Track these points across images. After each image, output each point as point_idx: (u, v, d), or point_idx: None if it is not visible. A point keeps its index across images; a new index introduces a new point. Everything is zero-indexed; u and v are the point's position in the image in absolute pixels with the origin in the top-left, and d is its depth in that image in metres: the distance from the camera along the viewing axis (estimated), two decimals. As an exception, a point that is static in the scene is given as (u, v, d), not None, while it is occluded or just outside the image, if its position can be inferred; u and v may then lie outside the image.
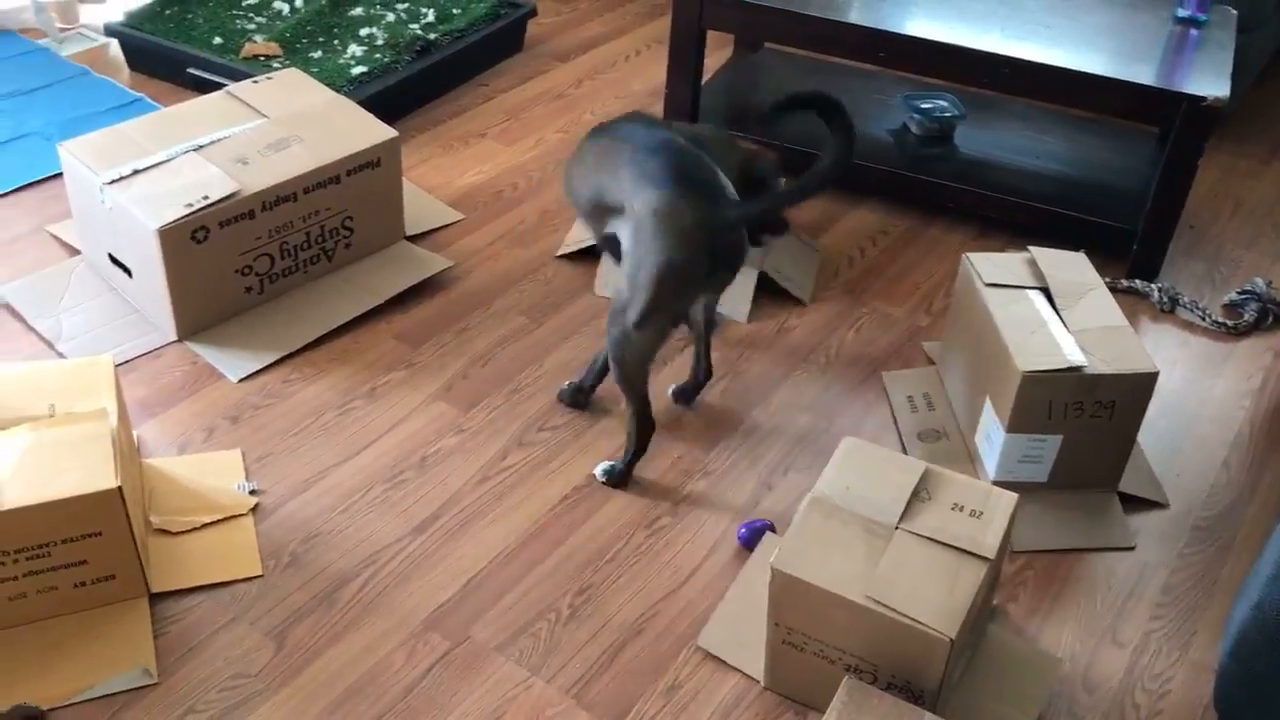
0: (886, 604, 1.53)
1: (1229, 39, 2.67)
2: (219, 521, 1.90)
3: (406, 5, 3.33)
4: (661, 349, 1.94)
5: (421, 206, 2.68)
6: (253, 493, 1.97)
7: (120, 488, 1.64)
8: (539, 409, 2.18)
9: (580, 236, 2.59)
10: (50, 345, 2.23)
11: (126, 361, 2.20)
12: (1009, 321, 1.99)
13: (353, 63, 3.03)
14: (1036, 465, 1.99)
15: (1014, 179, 2.80)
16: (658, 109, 2.97)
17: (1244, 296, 2.55)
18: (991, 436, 2.01)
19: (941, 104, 2.97)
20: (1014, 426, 1.94)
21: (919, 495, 1.67)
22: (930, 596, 1.54)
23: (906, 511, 1.64)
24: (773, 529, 1.94)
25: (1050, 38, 2.62)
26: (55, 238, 2.51)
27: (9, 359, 2.19)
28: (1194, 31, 2.70)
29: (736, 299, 2.44)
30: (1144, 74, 2.50)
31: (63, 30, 3.35)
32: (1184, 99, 2.41)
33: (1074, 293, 2.07)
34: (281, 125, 2.39)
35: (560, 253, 2.58)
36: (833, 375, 2.32)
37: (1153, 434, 2.17)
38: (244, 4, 3.30)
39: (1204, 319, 2.52)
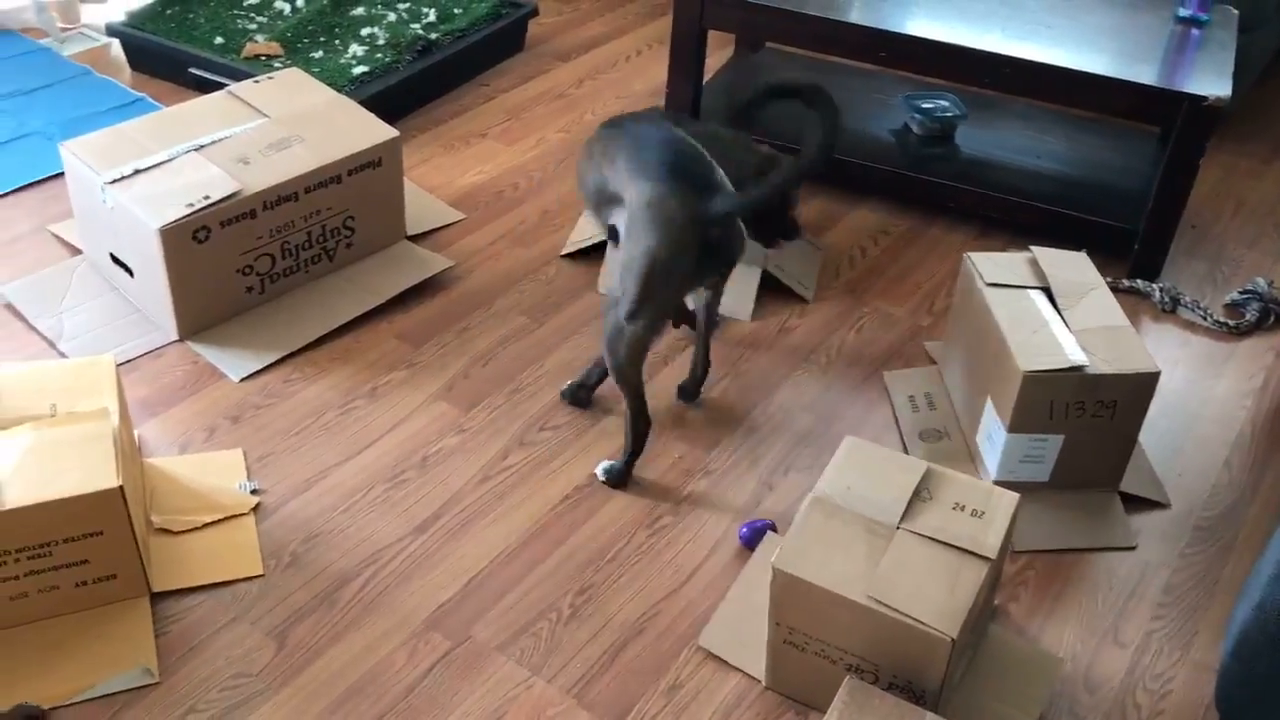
0: (888, 604, 1.53)
1: (1230, 39, 2.67)
2: (220, 521, 1.90)
3: (408, 5, 3.33)
4: (656, 343, 1.94)
5: (422, 206, 2.68)
6: (254, 492, 1.97)
7: (122, 487, 1.64)
8: (540, 408, 2.18)
9: (583, 235, 2.59)
10: (52, 345, 2.23)
11: (128, 361, 2.20)
12: (1010, 321, 1.99)
13: (354, 62, 3.03)
14: (1038, 465, 1.99)
15: (1015, 179, 2.80)
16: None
17: (1245, 296, 2.55)
18: (993, 436, 2.01)
19: (943, 104, 2.97)
20: (1015, 426, 1.94)
21: (920, 495, 1.66)
22: (931, 596, 1.54)
23: (908, 511, 1.64)
24: (774, 529, 1.94)
25: (1051, 37, 2.62)
26: (57, 237, 2.52)
27: (11, 358, 2.19)
28: (1195, 31, 2.70)
29: (739, 297, 2.44)
30: (1145, 74, 2.50)
31: (64, 30, 3.36)
32: (1185, 99, 2.41)
33: (1075, 292, 2.06)
34: (283, 125, 2.39)
35: (564, 252, 2.58)
36: (834, 375, 2.32)
37: (1154, 434, 2.17)
38: (245, 4, 3.30)
39: (1205, 319, 2.51)
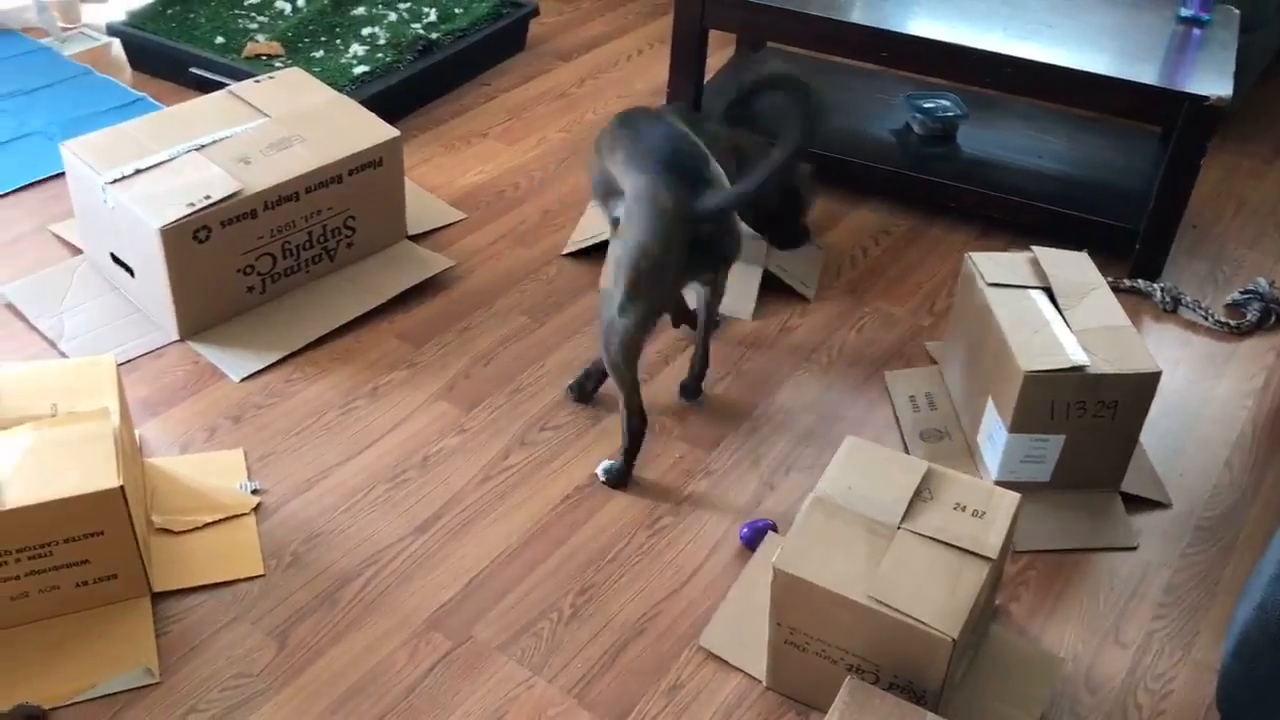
0: (889, 604, 1.53)
1: (1231, 38, 2.67)
2: (221, 521, 1.90)
3: (408, 4, 3.33)
4: (650, 338, 1.94)
5: (423, 206, 2.68)
6: (255, 492, 1.97)
7: (122, 487, 1.64)
8: (541, 408, 2.18)
9: (584, 234, 2.59)
10: (52, 344, 2.23)
11: (128, 361, 2.20)
12: (1011, 321, 1.99)
13: (355, 62, 3.03)
14: (1039, 465, 1.99)
15: (1016, 178, 2.80)
16: (660, 108, 2.97)
17: (1246, 296, 2.55)
18: (994, 436, 2.01)
19: (944, 103, 2.97)
20: (1016, 426, 1.94)
21: (921, 495, 1.66)
22: (932, 596, 1.53)
23: (909, 511, 1.64)
24: (775, 529, 1.94)
25: (1053, 37, 2.61)
26: (57, 237, 2.52)
27: (11, 358, 2.19)
28: (1196, 31, 2.70)
29: (741, 297, 2.44)
30: (1147, 74, 2.50)
31: (65, 30, 3.36)
32: (1187, 98, 2.40)
33: (1076, 292, 2.06)
34: (283, 125, 2.39)
35: (565, 251, 2.58)
36: (835, 375, 2.32)
37: (1155, 434, 2.17)
38: (246, 3, 3.30)
39: (1206, 319, 2.51)
